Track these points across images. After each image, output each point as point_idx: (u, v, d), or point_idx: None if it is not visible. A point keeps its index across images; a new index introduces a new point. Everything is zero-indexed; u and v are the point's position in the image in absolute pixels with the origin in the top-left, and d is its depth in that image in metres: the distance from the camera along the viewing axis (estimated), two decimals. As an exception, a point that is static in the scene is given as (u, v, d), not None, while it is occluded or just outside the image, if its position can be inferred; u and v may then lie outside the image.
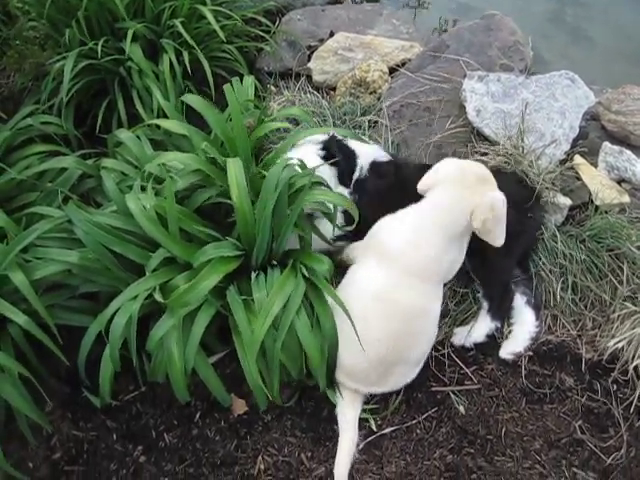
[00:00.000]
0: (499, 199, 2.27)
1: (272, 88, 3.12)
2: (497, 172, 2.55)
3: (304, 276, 2.27)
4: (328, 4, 3.78)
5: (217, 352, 2.49)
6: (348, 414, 2.36)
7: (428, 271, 2.31)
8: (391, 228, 2.37)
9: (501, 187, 2.37)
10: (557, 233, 2.61)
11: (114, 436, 2.40)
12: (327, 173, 2.50)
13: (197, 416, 2.44)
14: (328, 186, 2.44)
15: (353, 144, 2.60)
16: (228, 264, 2.26)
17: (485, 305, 2.55)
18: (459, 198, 2.28)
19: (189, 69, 2.86)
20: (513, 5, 4.38)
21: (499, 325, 2.55)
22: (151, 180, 2.30)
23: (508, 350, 2.53)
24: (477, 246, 2.40)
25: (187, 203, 2.41)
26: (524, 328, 2.54)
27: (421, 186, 2.36)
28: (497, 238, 2.28)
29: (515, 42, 3.02)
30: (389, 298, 2.27)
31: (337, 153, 2.48)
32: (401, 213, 2.38)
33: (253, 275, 2.27)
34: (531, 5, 4.44)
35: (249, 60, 3.41)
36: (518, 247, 2.54)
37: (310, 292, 2.30)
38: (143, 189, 2.32)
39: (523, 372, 2.52)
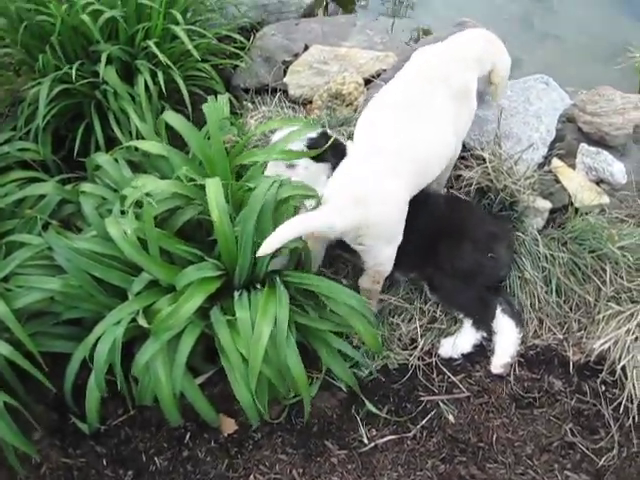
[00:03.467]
0: None
1: (249, 105, 3.16)
2: (464, 204, 2.69)
3: (290, 295, 2.30)
4: (303, 17, 3.82)
5: (204, 372, 2.50)
6: None
7: None
8: None
9: (466, 221, 2.57)
10: (538, 237, 2.65)
11: (104, 462, 2.41)
12: (318, 170, 2.52)
13: (187, 437, 2.46)
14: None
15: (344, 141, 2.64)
16: (210, 285, 2.28)
17: (467, 320, 2.59)
18: None
19: (164, 89, 2.89)
20: (486, 10, 4.47)
21: (485, 334, 2.58)
22: (131, 204, 2.30)
23: (497, 364, 2.57)
24: (438, 283, 2.58)
25: (168, 224, 2.42)
26: (506, 338, 2.57)
27: None
28: None
29: (487, 50, 3.05)
30: None
31: (328, 149, 2.49)
32: None
33: (236, 294, 2.29)
34: (502, 10, 4.51)
35: (225, 77, 3.46)
36: (476, 286, 2.61)
37: (296, 313, 2.35)
38: (123, 213, 2.34)
39: (512, 377, 2.56)
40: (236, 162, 2.57)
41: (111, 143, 2.93)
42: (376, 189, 2.31)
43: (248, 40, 3.51)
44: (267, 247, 2.16)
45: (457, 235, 2.58)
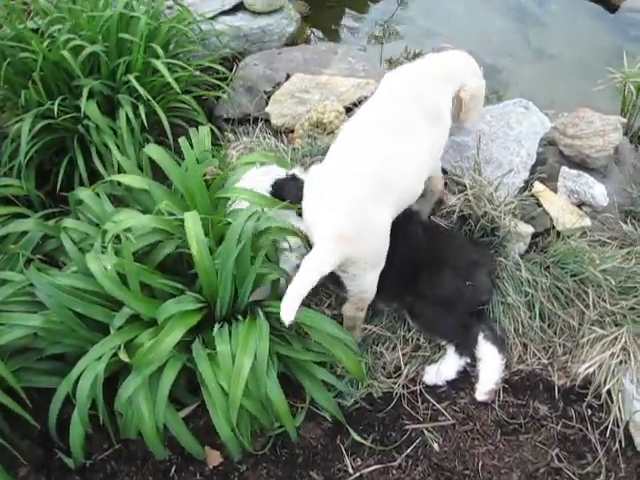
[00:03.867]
0: None
1: (230, 136, 3.18)
2: (444, 232, 2.73)
3: (272, 326, 2.32)
4: (285, 46, 3.87)
5: (188, 404, 2.51)
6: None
7: None
8: None
9: (445, 249, 2.62)
10: (520, 262, 2.66)
11: (89, 498, 2.41)
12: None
13: (172, 470, 2.47)
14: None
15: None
16: (191, 318, 2.30)
17: (449, 347, 2.60)
18: None
19: (146, 122, 2.92)
20: (475, 28, 4.55)
21: (468, 360, 2.59)
22: (110, 239, 2.33)
23: (482, 391, 2.58)
24: (419, 311, 2.62)
25: (148, 258, 2.44)
26: (489, 364, 2.58)
27: None
28: None
29: (467, 74, 3.09)
30: None
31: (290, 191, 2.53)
32: None
33: (216, 327, 2.31)
34: (493, 27, 4.58)
35: (208, 108, 3.49)
36: (456, 312, 2.62)
37: (278, 344, 2.37)
38: (105, 248, 2.36)
39: (497, 404, 2.56)
40: (216, 196, 2.59)
41: (95, 177, 2.96)
42: (361, 223, 2.28)
43: (231, 70, 3.55)
44: (288, 313, 2.08)
45: (436, 263, 2.59)
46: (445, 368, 2.58)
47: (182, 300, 2.32)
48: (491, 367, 2.57)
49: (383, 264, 2.45)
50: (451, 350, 2.59)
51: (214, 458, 2.48)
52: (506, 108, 2.97)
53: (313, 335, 2.40)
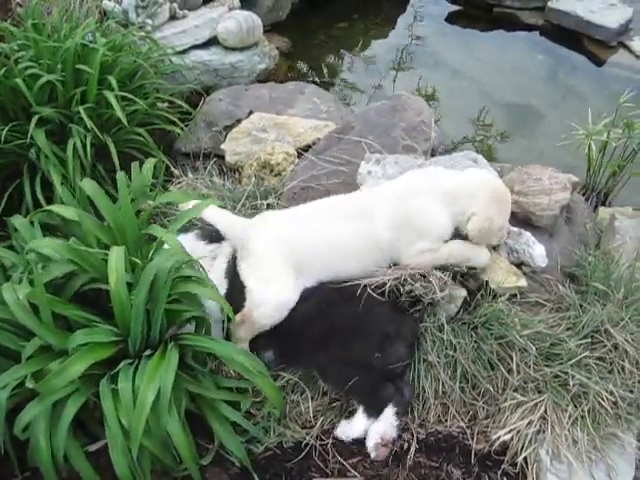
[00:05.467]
0: None
1: (175, 172, 3.24)
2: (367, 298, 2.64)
3: (187, 364, 2.37)
4: (259, 82, 3.94)
5: (102, 439, 2.53)
6: None
7: None
8: None
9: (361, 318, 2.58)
10: (444, 324, 2.63)
11: (-7, 524, 2.46)
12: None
13: (77, 503, 2.48)
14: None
15: None
16: (102, 350, 2.34)
17: (359, 406, 2.60)
18: None
19: (96, 153, 3.02)
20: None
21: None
22: (27, 269, 2.39)
23: (369, 445, 2.55)
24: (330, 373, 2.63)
25: (65, 288, 2.50)
26: (382, 423, 2.55)
27: None
28: None
29: (420, 122, 3.14)
30: None
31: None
32: None
33: (122, 363, 2.34)
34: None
35: (170, 141, 3.56)
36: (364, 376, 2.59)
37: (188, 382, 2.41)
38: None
39: (408, 463, 2.52)
40: (141, 232, 2.65)
41: (48, 203, 3.04)
42: None
43: (197, 104, 3.63)
44: None
45: (351, 329, 2.60)
46: (353, 426, 2.57)
47: (94, 332, 2.37)
48: (381, 424, 2.55)
49: None
50: (360, 409, 2.58)
51: (119, 495, 2.50)
52: (454, 160, 2.97)
53: (228, 365, 2.47)
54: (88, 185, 2.72)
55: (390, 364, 2.56)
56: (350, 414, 2.64)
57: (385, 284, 2.60)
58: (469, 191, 2.64)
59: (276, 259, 2.63)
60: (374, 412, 2.56)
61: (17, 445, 2.33)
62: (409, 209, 2.64)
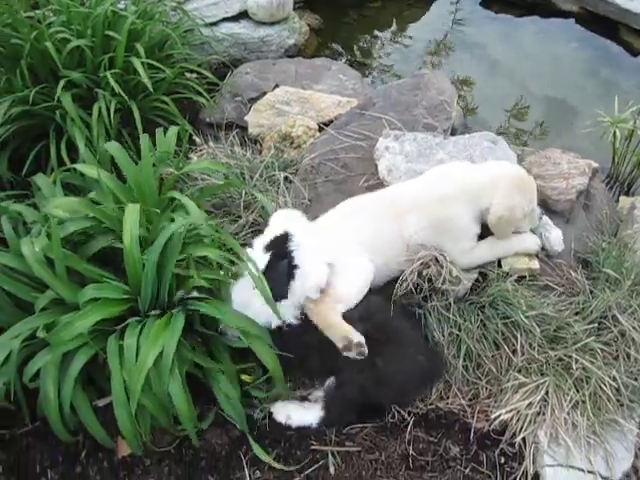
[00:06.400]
0: None
1: (197, 140, 3.29)
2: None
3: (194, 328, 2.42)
4: (288, 57, 3.96)
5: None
6: None
7: None
8: None
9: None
10: (452, 304, 2.64)
11: (1, 469, 2.54)
12: None
13: (82, 454, 2.57)
14: None
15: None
16: (112, 307, 2.40)
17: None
18: None
19: (122, 118, 3.08)
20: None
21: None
22: (45, 225, 2.46)
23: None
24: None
25: (84, 247, 2.57)
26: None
27: None
28: None
29: (442, 101, 3.12)
30: None
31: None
32: None
33: (131, 320, 2.40)
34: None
35: (196, 111, 3.61)
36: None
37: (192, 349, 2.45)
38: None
39: (407, 437, 2.54)
40: (164, 196, 2.71)
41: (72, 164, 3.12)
42: None
43: (224, 76, 3.67)
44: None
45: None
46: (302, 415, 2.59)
47: (104, 288, 2.43)
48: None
49: None
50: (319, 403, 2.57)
51: (124, 449, 2.57)
52: (471, 140, 2.94)
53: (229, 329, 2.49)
54: (113, 146, 2.80)
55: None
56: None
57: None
58: (490, 185, 2.63)
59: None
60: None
61: (28, 396, 2.41)
62: (439, 216, 2.63)
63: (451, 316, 2.63)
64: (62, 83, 2.99)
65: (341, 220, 2.72)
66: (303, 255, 2.52)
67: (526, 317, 2.54)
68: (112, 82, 3.00)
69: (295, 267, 2.50)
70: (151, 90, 3.08)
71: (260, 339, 2.42)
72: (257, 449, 2.50)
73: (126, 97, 3.05)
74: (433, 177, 2.74)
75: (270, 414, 2.59)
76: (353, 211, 2.73)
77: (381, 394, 2.51)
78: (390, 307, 2.58)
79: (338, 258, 2.58)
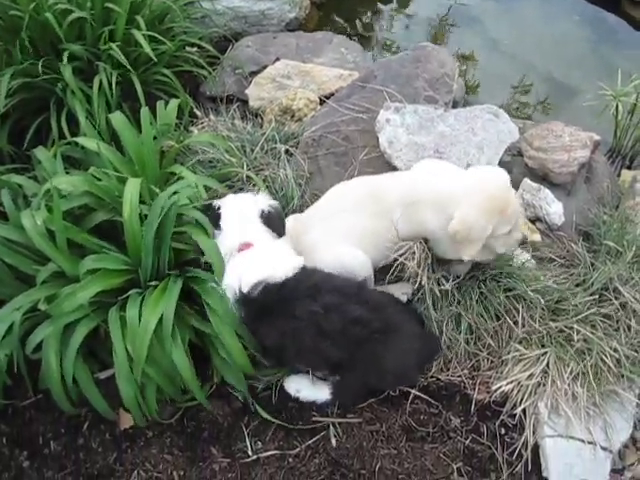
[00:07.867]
0: None
1: (197, 113, 3.25)
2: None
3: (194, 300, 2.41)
4: (289, 30, 3.91)
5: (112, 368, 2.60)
6: None
7: None
8: None
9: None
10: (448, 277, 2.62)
11: (4, 440, 2.55)
12: None
13: (85, 426, 2.59)
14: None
15: None
16: (112, 278, 2.40)
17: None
18: None
19: (123, 91, 3.07)
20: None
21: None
22: (44, 198, 2.45)
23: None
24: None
25: (85, 220, 2.55)
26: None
27: None
28: None
29: (443, 74, 3.08)
30: None
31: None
32: None
33: (132, 291, 2.39)
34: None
35: (196, 84, 3.57)
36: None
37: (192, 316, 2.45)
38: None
39: (407, 409, 2.54)
40: (166, 169, 2.68)
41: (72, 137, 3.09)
42: None
43: (225, 50, 3.62)
44: None
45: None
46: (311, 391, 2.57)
47: (104, 258, 2.43)
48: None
49: None
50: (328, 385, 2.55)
51: (126, 420, 2.58)
52: (473, 113, 2.90)
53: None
54: (117, 117, 2.78)
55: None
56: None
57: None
58: (460, 195, 2.38)
59: None
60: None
61: (30, 368, 2.41)
62: (415, 219, 2.52)
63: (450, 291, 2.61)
64: (65, 55, 2.94)
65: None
66: None
67: (529, 289, 2.52)
68: (116, 52, 2.95)
69: None
70: (154, 60, 3.03)
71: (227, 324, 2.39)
72: (262, 412, 2.51)
73: (130, 67, 3.01)
74: (416, 176, 2.57)
75: (271, 386, 2.58)
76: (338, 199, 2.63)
77: (381, 381, 2.50)
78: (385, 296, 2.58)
79: None
